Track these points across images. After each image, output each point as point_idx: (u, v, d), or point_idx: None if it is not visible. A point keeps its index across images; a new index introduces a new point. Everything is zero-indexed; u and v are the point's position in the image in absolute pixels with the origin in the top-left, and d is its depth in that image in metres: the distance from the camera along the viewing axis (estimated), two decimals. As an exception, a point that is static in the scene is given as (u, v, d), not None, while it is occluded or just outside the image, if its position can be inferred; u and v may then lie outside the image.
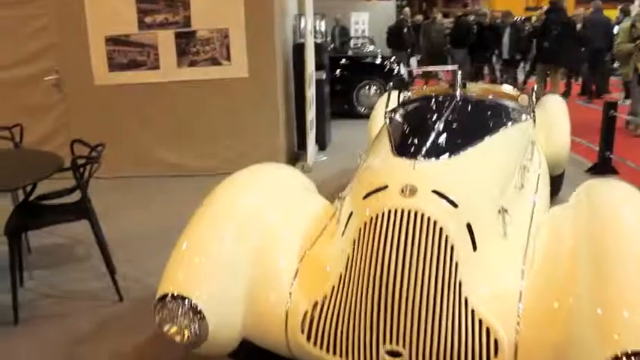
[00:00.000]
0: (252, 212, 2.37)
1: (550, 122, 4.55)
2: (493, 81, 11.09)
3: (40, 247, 4.11)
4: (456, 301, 1.91)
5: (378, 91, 8.66)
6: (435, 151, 2.31)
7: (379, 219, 2.00)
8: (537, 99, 4.64)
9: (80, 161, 3.10)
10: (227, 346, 2.19)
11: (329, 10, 17.94)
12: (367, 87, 8.79)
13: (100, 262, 3.40)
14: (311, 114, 6.23)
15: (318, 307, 2.08)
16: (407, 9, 12.60)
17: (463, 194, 2.07)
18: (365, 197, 2.13)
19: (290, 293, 2.16)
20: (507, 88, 4.45)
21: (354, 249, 2.06)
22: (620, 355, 1.59)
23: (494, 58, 11.32)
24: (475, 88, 4.23)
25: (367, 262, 1.98)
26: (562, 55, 8.72)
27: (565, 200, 2.51)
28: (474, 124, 2.95)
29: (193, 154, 5.81)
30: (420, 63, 12.43)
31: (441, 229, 1.94)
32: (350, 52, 11.17)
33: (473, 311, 1.91)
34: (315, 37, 6.60)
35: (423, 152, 2.28)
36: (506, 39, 10.62)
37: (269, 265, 2.23)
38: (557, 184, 4.75)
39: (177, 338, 2.07)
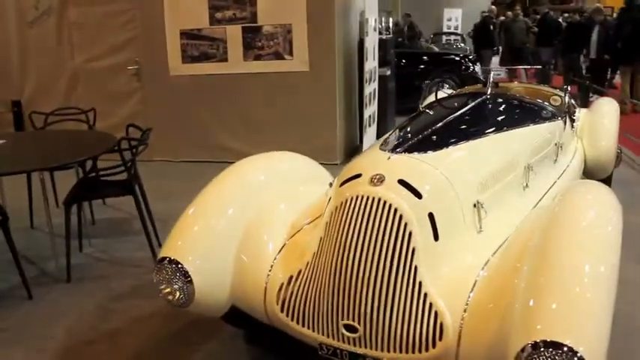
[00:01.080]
0: (253, 192, 2.63)
1: (596, 126, 4.46)
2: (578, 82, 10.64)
3: (103, 219, 4.61)
4: (410, 284, 2.05)
5: (450, 89, 8.62)
6: (419, 146, 2.45)
7: (347, 204, 2.18)
8: (577, 100, 4.54)
9: (124, 144, 3.48)
10: (215, 310, 2.46)
11: (421, 5, 17.94)
12: (440, 84, 8.77)
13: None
14: (370, 110, 6.39)
15: (292, 282, 2.29)
16: (493, 6, 12.31)
17: (429, 186, 2.20)
18: (341, 185, 2.32)
19: (271, 267, 2.39)
20: (546, 88, 4.40)
21: (325, 231, 2.25)
22: (537, 343, 1.69)
23: (581, 58, 10.82)
24: (516, 87, 4.23)
25: (333, 243, 2.17)
26: (633, 55, 8.28)
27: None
28: (480, 122, 3.03)
29: (254, 141, 6.12)
30: (501, 61, 12.13)
31: (400, 216, 2.08)
32: (423, 49, 11.15)
33: (425, 295, 2.03)
34: (380, 33, 6.74)
35: (405, 147, 2.42)
36: (594, 37, 10.13)
37: (258, 241, 2.47)
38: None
39: (169, 298, 2.37)
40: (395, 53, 7.65)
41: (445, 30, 19.63)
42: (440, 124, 2.86)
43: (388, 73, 6.83)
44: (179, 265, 2.33)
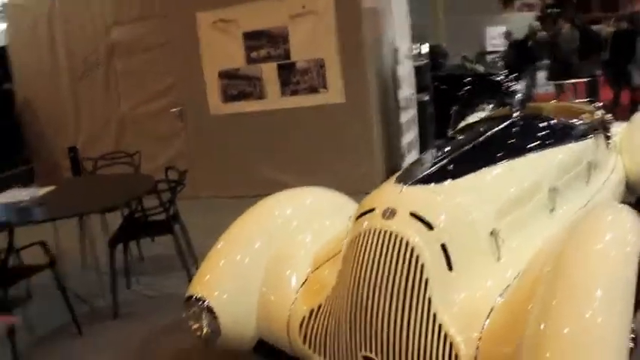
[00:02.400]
0: (278, 227, 2.74)
1: (636, 139, 4.35)
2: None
3: (151, 256, 4.81)
4: (424, 315, 2.08)
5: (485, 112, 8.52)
6: (433, 177, 2.49)
7: (360, 238, 2.25)
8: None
9: (163, 185, 3.67)
10: (243, 344, 2.56)
11: (463, 25, 17.85)
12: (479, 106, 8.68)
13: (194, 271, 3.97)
14: (408, 137, 6.43)
15: (314, 314, 2.37)
16: (535, 22, 12.12)
17: (441, 217, 2.24)
18: (357, 219, 2.39)
19: (294, 301, 2.47)
20: (577, 105, 4.33)
21: (342, 265, 2.32)
22: None
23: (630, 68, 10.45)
24: (545, 106, 4.20)
25: (348, 277, 2.23)
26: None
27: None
28: (500, 147, 3.03)
29: (296, 174, 6.27)
30: (549, 77, 11.87)
31: (412, 249, 2.13)
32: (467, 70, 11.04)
33: (440, 326, 2.06)
34: (414, 60, 6.81)
35: (419, 178, 2.47)
36: (640, 47, 9.82)
37: (281, 276, 2.57)
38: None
39: (198, 334, 2.48)
40: (433, 77, 7.68)
41: (489, 49, 19.52)
42: (458, 152, 2.90)
43: (426, 98, 6.86)
44: (205, 302, 2.45)
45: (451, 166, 2.67)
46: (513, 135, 3.33)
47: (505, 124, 3.53)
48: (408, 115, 6.43)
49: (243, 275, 2.57)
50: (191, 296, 2.50)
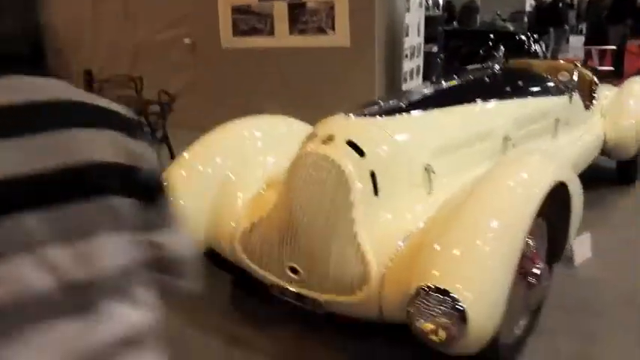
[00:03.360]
0: (243, 146, 2.96)
1: (621, 105, 4.40)
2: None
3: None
4: (346, 234, 2.28)
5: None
6: (383, 112, 2.65)
7: (298, 160, 2.45)
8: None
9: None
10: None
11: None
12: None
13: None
14: (411, 85, 6.49)
15: (254, 227, 2.59)
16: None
17: (374, 147, 2.41)
18: (303, 143, 2.58)
19: (238, 216, 2.69)
20: (559, 64, 4.37)
21: (283, 184, 2.53)
22: (428, 288, 1.89)
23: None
24: (530, 62, 4.26)
25: (284, 194, 2.45)
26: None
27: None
28: (461, 94, 3.16)
29: (297, 113, 6.43)
30: (586, 41, 11.58)
31: (342, 172, 2.32)
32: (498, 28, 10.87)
33: (359, 245, 2.27)
34: (427, 9, 6.80)
35: (371, 111, 2.64)
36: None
37: (234, 190, 2.79)
38: (626, 170, 4.59)
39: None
40: (448, 31, 7.65)
41: (528, 9, 18.93)
42: (421, 93, 3.04)
43: (435, 49, 6.88)
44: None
45: (406, 104, 2.83)
46: (483, 84, 3.45)
47: (481, 74, 3.64)
48: (413, 65, 6.47)
49: (196, 189, 2.79)
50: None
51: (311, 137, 2.53)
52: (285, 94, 6.46)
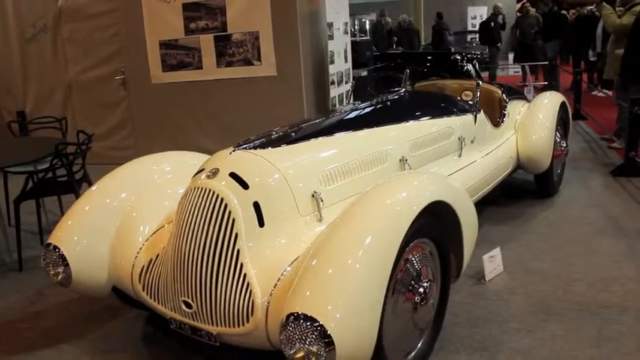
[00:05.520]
0: (135, 187, 2.97)
1: (531, 119, 4.57)
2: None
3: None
4: (232, 265, 2.31)
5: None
6: (268, 143, 2.71)
7: (186, 196, 2.49)
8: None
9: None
10: (97, 290, 2.80)
11: (444, 4, 17.93)
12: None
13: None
14: (342, 110, 6.62)
15: (151, 264, 2.61)
16: (499, 3, 12.22)
17: (258, 178, 2.46)
18: (192, 178, 2.61)
19: (138, 252, 2.70)
20: (465, 84, 4.53)
21: (174, 219, 2.55)
22: (293, 314, 1.93)
23: (590, 53, 10.63)
24: (436, 84, 4.41)
25: (175, 230, 2.47)
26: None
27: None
28: (357, 118, 3.26)
29: (229, 142, 6.44)
30: (515, 59, 12.05)
31: (226, 205, 2.36)
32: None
33: (245, 275, 2.29)
34: (354, 36, 6.97)
35: (254, 144, 2.70)
36: (599, 31, 9.95)
37: (131, 231, 2.79)
38: (544, 183, 4.74)
39: (54, 279, 2.72)
40: (382, 55, 7.82)
41: (470, 28, 19.61)
42: (314, 121, 3.12)
43: (364, 74, 7.02)
44: (59, 251, 2.69)
45: (294, 133, 2.90)
46: (381, 108, 3.55)
47: (386, 98, 3.75)
48: (342, 90, 6.61)
49: (98, 227, 2.79)
50: (49, 244, 2.73)
51: (198, 172, 2.57)
52: (216, 125, 6.53)
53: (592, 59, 10.50)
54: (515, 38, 12.04)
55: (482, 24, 12.27)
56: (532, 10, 11.75)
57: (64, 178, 4.24)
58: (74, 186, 4.06)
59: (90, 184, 4.28)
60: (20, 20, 7.23)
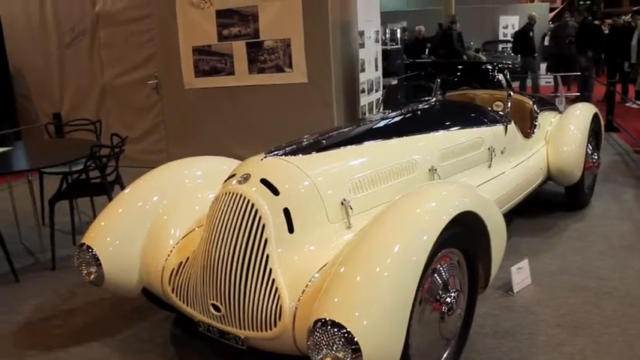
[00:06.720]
0: (173, 188, 3.04)
1: (562, 131, 4.52)
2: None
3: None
4: (261, 270, 2.34)
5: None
6: (298, 150, 2.74)
7: (217, 200, 2.53)
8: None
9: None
10: (128, 291, 2.86)
11: (476, 13, 17.82)
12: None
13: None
14: (371, 117, 6.63)
15: (182, 266, 2.66)
16: (533, 13, 12.07)
17: (288, 185, 2.49)
18: (223, 183, 2.66)
19: (168, 255, 2.76)
20: (495, 94, 4.49)
21: (205, 223, 2.60)
22: (321, 320, 1.95)
23: (625, 64, 10.45)
24: (467, 94, 4.39)
25: (206, 234, 2.52)
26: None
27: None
28: (389, 127, 3.27)
29: (259, 148, 6.51)
30: (548, 68, 11.89)
31: (256, 211, 2.40)
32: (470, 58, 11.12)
33: (273, 281, 2.32)
34: (385, 44, 6.99)
35: (285, 150, 2.74)
36: (634, 42, 9.79)
37: (164, 231, 2.85)
38: (575, 195, 4.68)
39: (87, 278, 2.79)
40: (412, 63, 7.84)
41: (501, 38, 19.41)
42: (346, 129, 3.14)
43: (394, 82, 7.03)
44: (92, 251, 2.76)
45: (325, 141, 2.93)
46: (411, 117, 3.56)
47: (416, 107, 3.76)
48: (373, 98, 6.62)
49: (130, 229, 2.86)
50: (83, 244, 2.81)
51: (230, 177, 2.62)
52: (247, 131, 6.60)
53: (627, 70, 10.34)
54: (547, 48, 11.87)
55: (517, 33, 12.12)
56: (571, 20, 11.60)
57: (98, 179, 4.35)
58: (107, 188, 4.15)
59: (122, 187, 4.39)
60: (59, 25, 7.43)
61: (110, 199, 4.17)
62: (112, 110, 7.32)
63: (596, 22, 11.50)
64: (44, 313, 3.49)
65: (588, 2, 39.36)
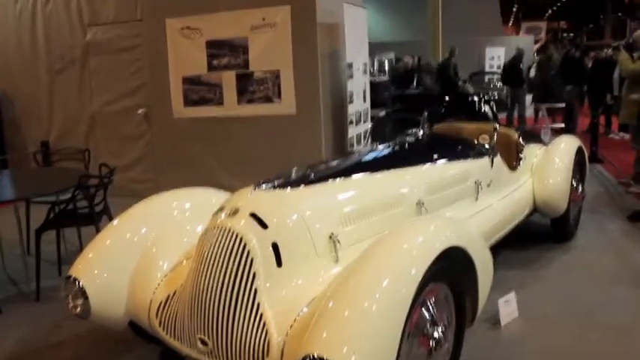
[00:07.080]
0: (161, 220, 3.03)
1: (547, 164, 4.58)
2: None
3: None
4: (249, 304, 2.34)
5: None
6: (287, 183, 2.77)
7: (206, 233, 2.54)
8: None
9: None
10: (114, 323, 2.84)
11: (462, 45, 18.13)
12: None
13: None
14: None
15: (169, 300, 2.65)
16: (520, 44, 12.32)
17: (276, 219, 2.51)
18: (212, 217, 2.67)
19: (156, 288, 2.75)
20: (482, 127, 4.55)
21: (193, 257, 2.60)
22: (310, 356, 1.95)
23: (608, 97, 10.65)
24: (453, 126, 4.47)
25: (194, 268, 2.52)
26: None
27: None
28: (375, 161, 3.31)
29: (247, 178, 6.52)
30: (533, 99, 12.08)
31: (245, 245, 2.41)
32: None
33: (261, 315, 2.32)
34: (372, 75, 7.09)
35: (275, 183, 2.76)
36: (616, 75, 9.99)
37: (152, 264, 2.84)
38: (560, 227, 4.73)
39: (72, 310, 2.77)
40: (399, 96, 7.96)
41: (488, 69, 19.75)
42: (333, 162, 3.18)
43: (382, 114, 7.11)
44: (79, 283, 2.74)
45: (313, 174, 2.96)
46: (399, 150, 3.60)
47: (404, 140, 3.81)
48: (361, 129, 6.69)
49: (118, 261, 2.85)
50: (69, 276, 2.79)
51: (219, 210, 2.63)
52: (235, 161, 6.62)
53: (609, 102, 10.53)
54: (533, 79, 12.08)
55: (507, 65, 12.33)
56: (555, 54, 11.84)
57: (86, 209, 4.33)
58: (95, 218, 4.14)
59: (110, 218, 4.38)
60: (50, 52, 7.46)
61: (98, 230, 4.15)
62: (100, 138, 7.31)
63: (578, 53, 11.71)
64: (28, 345, 3.45)
65: (572, 35, 40.37)
